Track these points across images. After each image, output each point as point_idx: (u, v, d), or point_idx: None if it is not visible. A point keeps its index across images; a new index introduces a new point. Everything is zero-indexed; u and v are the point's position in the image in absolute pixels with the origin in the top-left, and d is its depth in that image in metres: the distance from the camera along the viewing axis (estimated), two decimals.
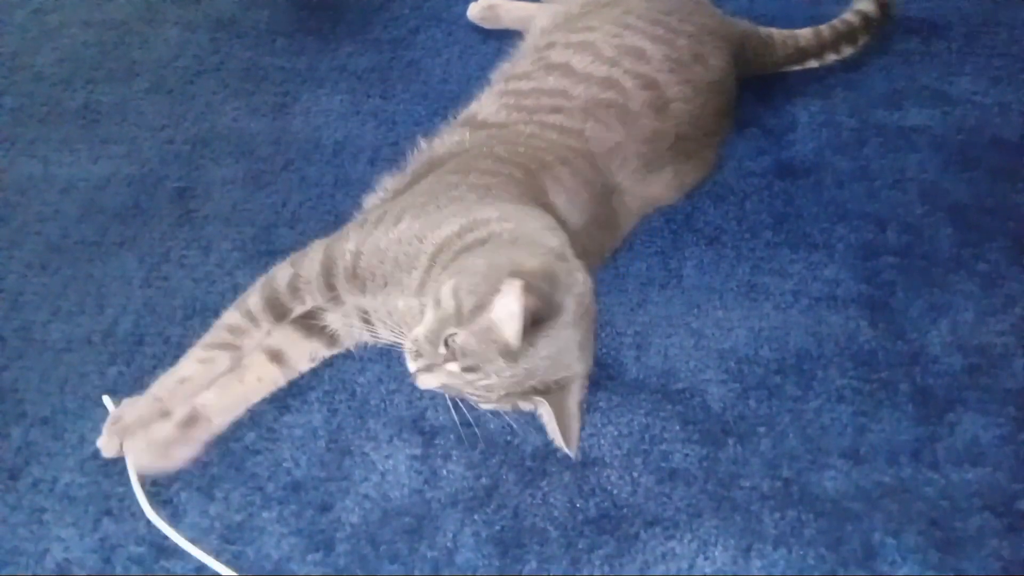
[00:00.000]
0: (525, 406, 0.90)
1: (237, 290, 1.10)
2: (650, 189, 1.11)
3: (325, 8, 1.54)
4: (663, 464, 0.94)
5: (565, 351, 0.86)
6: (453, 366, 0.84)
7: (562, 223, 0.97)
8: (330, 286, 0.96)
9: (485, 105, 1.13)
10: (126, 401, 0.95)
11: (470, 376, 0.84)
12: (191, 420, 0.94)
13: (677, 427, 0.96)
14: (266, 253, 1.15)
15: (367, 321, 0.98)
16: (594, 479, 0.93)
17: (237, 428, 0.98)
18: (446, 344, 0.83)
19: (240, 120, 1.35)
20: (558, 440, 0.87)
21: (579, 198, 1.02)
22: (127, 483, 0.93)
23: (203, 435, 0.95)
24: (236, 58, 1.46)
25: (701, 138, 1.13)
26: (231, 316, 0.99)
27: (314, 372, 1.02)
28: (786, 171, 1.21)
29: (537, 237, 0.91)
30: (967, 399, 0.97)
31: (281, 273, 1.00)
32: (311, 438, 0.97)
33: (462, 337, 0.83)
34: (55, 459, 0.96)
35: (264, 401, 1.00)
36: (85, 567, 0.88)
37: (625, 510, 0.91)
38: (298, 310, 0.99)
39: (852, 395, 0.98)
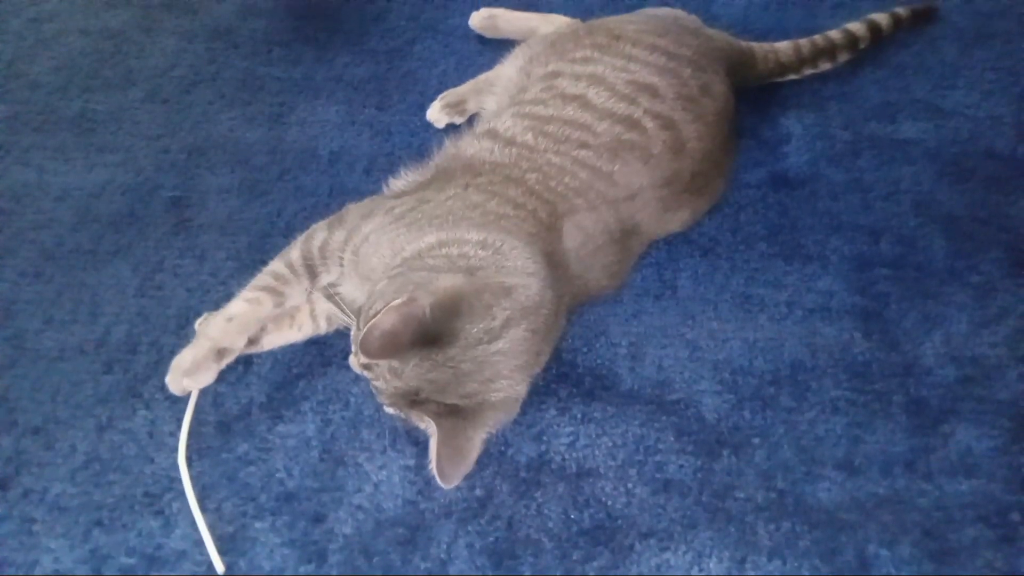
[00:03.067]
0: (417, 421, 0.90)
1: (231, 299, 1.10)
2: (666, 227, 1.11)
3: (322, 19, 1.55)
4: (658, 475, 0.93)
5: (465, 378, 0.85)
6: (362, 358, 0.87)
7: (564, 267, 0.97)
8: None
9: (504, 122, 1.09)
10: (183, 351, 1.00)
11: (367, 373, 0.89)
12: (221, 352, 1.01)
13: (672, 438, 0.96)
14: (261, 263, 1.14)
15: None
16: (588, 490, 0.92)
17: (230, 438, 0.97)
18: None
19: (236, 130, 1.35)
20: (432, 466, 0.86)
21: (592, 244, 1.01)
22: (117, 495, 0.93)
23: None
24: (233, 68, 1.46)
25: (712, 171, 1.12)
26: (276, 264, 1.05)
27: (308, 382, 1.02)
28: (781, 183, 1.22)
29: (500, 272, 0.90)
30: (961, 410, 0.97)
31: (318, 234, 1.04)
32: (304, 448, 0.96)
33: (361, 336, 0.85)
34: (46, 469, 0.95)
35: (259, 411, 0.99)
36: None
37: (620, 521, 0.90)
38: (324, 276, 1.03)
39: (846, 406, 0.98)
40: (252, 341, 1.03)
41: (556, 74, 1.14)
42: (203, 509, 0.92)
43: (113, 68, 1.48)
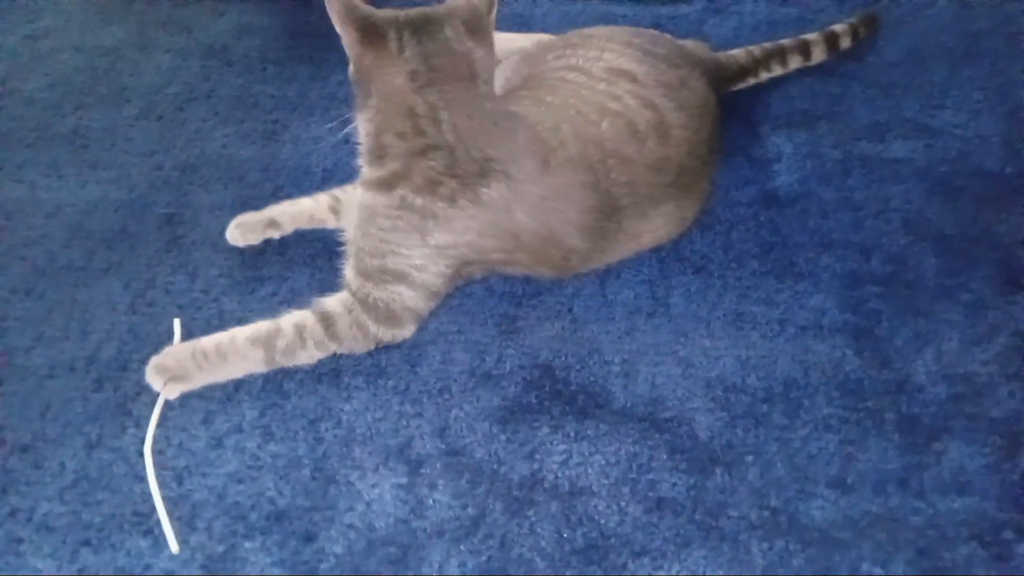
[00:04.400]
0: None
1: (223, 316, 1.10)
2: (650, 224, 1.10)
3: (317, 38, 1.55)
4: (651, 493, 0.93)
5: None
6: None
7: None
8: None
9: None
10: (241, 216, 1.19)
11: None
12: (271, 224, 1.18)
13: (665, 456, 0.96)
14: (253, 280, 1.15)
15: None
16: (581, 509, 0.92)
17: (220, 455, 0.97)
18: None
19: (230, 147, 1.36)
20: None
21: (574, 173, 1.03)
22: (105, 514, 0.92)
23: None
24: (227, 85, 1.47)
25: (699, 168, 1.13)
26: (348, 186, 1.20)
27: (299, 399, 1.01)
28: (772, 201, 1.22)
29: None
30: (953, 428, 0.97)
31: None
32: (295, 467, 0.96)
33: None
34: (34, 488, 0.94)
35: (250, 428, 0.99)
36: None
37: (613, 540, 0.90)
38: None
39: (839, 424, 0.98)
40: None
41: (532, 76, 1.18)
42: (192, 528, 0.91)
43: (107, 85, 1.48)
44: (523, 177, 1.01)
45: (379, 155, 1.01)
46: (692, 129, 1.10)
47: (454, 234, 1.01)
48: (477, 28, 0.99)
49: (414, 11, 0.99)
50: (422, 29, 0.98)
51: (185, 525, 0.91)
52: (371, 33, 0.98)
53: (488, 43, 1.01)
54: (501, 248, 1.04)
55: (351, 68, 1.01)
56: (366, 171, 1.04)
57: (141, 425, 0.99)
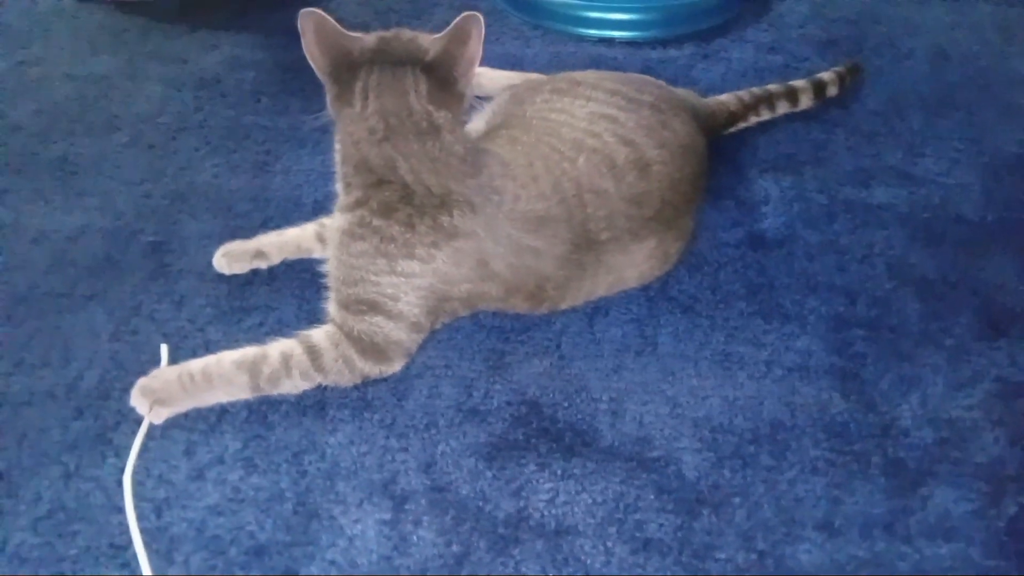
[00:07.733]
0: None
1: (209, 346, 1.09)
2: (633, 259, 1.12)
3: (310, 72, 1.56)
4: (637, 534, 0.92)
5: None
6: None
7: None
8: None
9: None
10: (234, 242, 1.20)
11: None
12: (259, 254, 1.19)
13: (652, 496, 0.95)
14: (240, 310, 1.14)
15: None
16: (567, 548, 0.91)
17: (201, 487, 0.95)
18: None
19: (220, 177, 1.36)
20: None
21: (544, 204, 1.05)
22: (81, 546, 0.89)
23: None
24: (219, 116, 1.47)
25: (681, 204, 1.14)
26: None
27: (284, 431, 1.00)
28: (759, 243, 1.24)
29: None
30: (938, 472, 0.98)
31: None
32: (277, 500, 0.94)
33: None
34: (7, 518, 0.92)
35: (232, 460, 0.97)
36: None
37: None
38: None
39: (826, 466, 0.98)
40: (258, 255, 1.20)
41: (514, 115, 1.20)
42: (170, 562, 0.89)
43: (97, 113, 1.49)
44: (490, 209, 1.03)
45: (346, 182, 1.05)
46: (674, 166, 1.13)
47: (418, 261, 1.01)
48: (445, 88, 1.01)
49: (386, 49, 1.02)
50: (386, 84, 1.00)
51: (163, 559, 0.89)
52: (342, 86, 1.03)
53: (456, 103, 1.02)
54: (469, 277, 1.05)
55: (327, 96, 1.05)
56: (340, 195, 1.07)
57: (121, 454, 0.97)
